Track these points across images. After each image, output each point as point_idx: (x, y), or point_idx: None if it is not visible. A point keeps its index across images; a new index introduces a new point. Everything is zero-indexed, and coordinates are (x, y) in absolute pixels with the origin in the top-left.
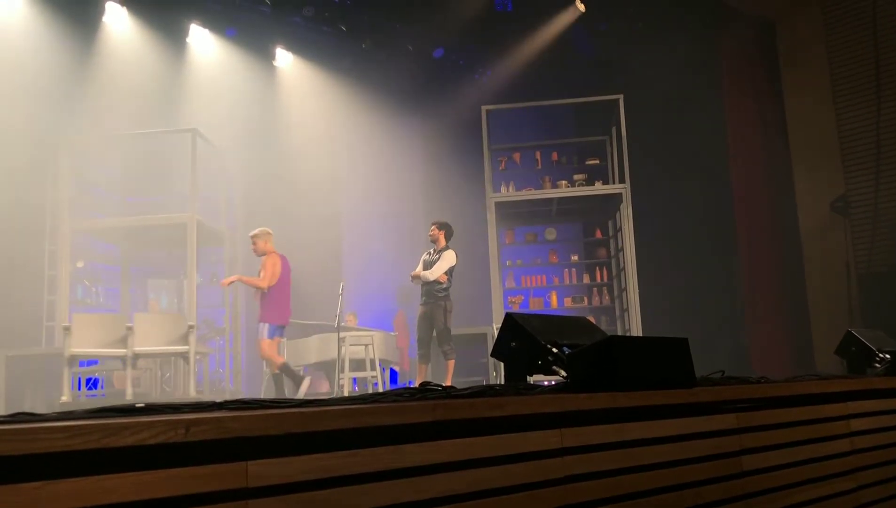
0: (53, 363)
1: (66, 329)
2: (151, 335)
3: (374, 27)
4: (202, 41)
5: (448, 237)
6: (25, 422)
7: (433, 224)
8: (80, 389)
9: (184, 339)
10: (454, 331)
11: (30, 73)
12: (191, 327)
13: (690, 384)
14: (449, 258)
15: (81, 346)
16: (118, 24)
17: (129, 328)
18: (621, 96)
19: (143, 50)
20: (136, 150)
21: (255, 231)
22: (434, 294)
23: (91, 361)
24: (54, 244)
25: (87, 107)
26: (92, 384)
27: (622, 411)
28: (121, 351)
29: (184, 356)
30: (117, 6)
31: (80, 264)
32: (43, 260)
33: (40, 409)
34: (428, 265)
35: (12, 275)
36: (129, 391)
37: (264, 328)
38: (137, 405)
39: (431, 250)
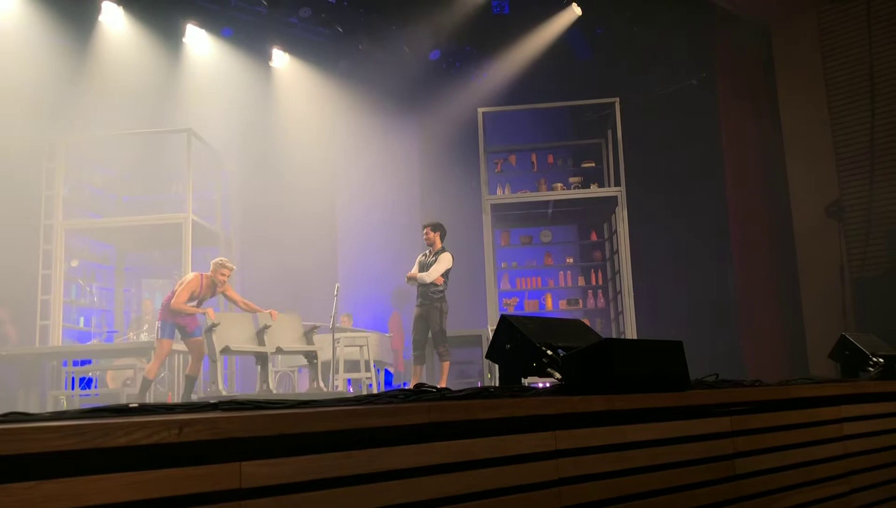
0: (47, 363)
1: (215, 326)
2: (281, 335)
3: (371, 28)
4: (198, 41)
5: (443, 237)
6: (18, 422)
7: (426, 227)
8: (73, 388)
9: (307, 338)
10: (449, 333)
11: (25, 72)
12: (315, 327)
13: (685, 388)
14: (445, 261)
15: (223, 342)
16: (114, 23)
17: (267, 327)
18: (617, 99)
19: (139, 49)
20: (131, 149)
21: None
22: (430, 296)
23: (85, 360)
24: (49, 244)
25: (82, 106)
26: (85, 383)
27: (616, 413)
28: (262, 348)
29: (310, 355)
30: (113, 6)
31: (74, 264)
32: (37, 259)
33: (33, 408)
34: (424, 267)
35: (6, 274)
36: (273, 386)
37: None
38: (131, 406)
39: (428, 252)
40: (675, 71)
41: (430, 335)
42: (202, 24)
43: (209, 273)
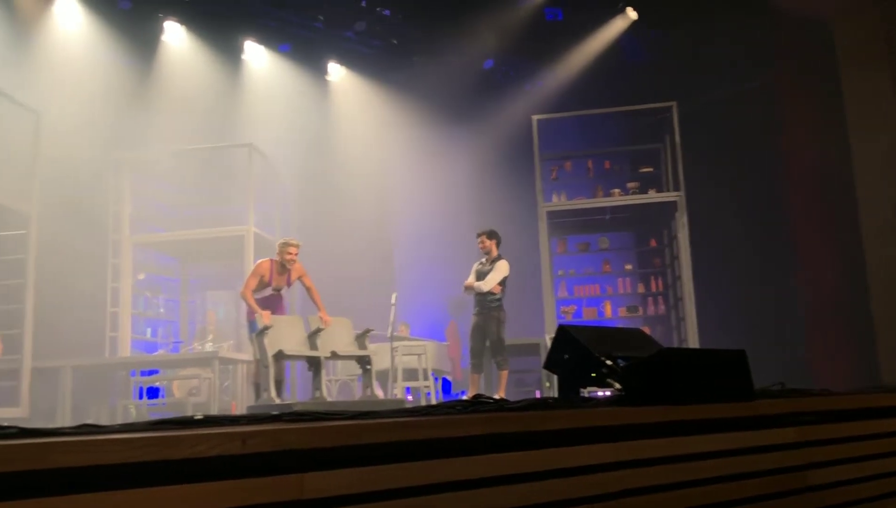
0: (117, 373)
1: (267, 329)
2: (334, 339)
3: (425, 40)
4: (257, 57)
5: (499, 245)
6: (89, 434)
7: (481, 235)
8: (141, 398)
9: (360, 343)
10: (507, 341)
11: (92, 91)
12: (368, 331)
13: (749, 397)
14: (502, 269)
15: (276, 346)
16: (176, 42)
17: (318, 331)
18: (674, 104)
19: (200, 67)
20: (194, 164)
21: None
22: (487, 305)
23: (152, 370)
24: (117, 258)
25: (147, 123)
26: (153, 393)
27: (678, 424)
28: (316, 353)
29: (364, 360)
30: (176, 25)
31: (141, 277)
32: (106, 273)
33: (104, 418)
34: (481, 276)
35: (77, 288)
36: (327, 394)
37: None
38: (196, 418)
39: (484, 260)
40: (733, 73)
41: (487, 344)
42: (260, 41)
43: (277, 257)
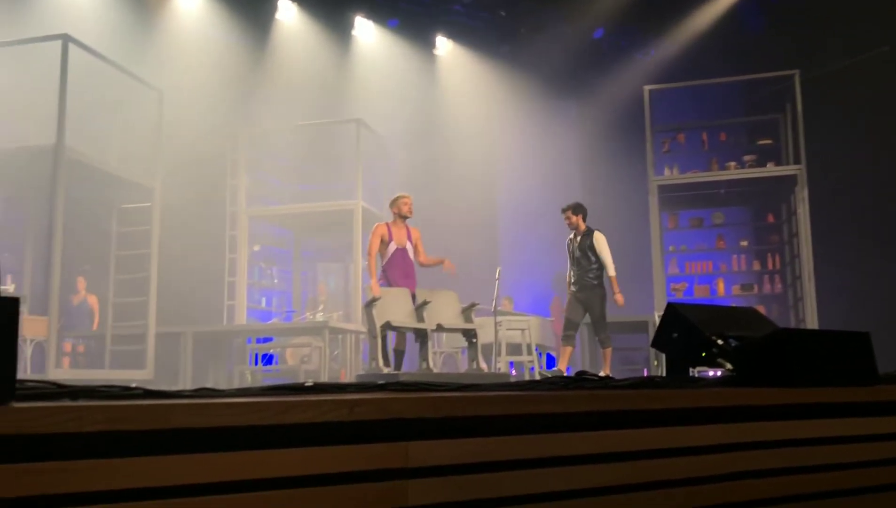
0: (234, 339)
1: (375, 300)
2: (440, 312)
3: (533, 11)
4: (367, 33)
5: (585, 218)
6: (208, 397)
7: (566, 210)
8: (256, 364)
9: (466, 317)
10: (614, 318)
11: (210, 69)
12: (473, 305)
13: (871, 382)
14: (604, 242)
15: (384, 318)
16: (289, 20)
17: (426, 303)
18: (797, 72)
19: (312, 44)
20: (306, 140)
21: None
22: (588, 281)
23: (266, 338)
24: (234, 230)
25: (261, 100)
26: (267, 359)
27: (792, 408)
28: (422, 325)
29: (469, 333)
30: (289, 3)
31: (256, 248)
32: (224, 244)
33: (222, 382)
34: (580, 252)
35: (198, 258)
36: (433, 365)
37: None
38: (306, 384)
39: (573, 236)
40: (860, 38)
41: (587, 320)
42: (370, 16)
43: (393, 215)
